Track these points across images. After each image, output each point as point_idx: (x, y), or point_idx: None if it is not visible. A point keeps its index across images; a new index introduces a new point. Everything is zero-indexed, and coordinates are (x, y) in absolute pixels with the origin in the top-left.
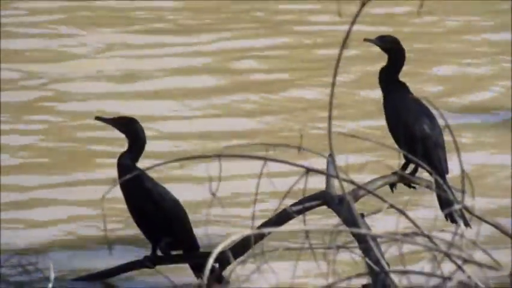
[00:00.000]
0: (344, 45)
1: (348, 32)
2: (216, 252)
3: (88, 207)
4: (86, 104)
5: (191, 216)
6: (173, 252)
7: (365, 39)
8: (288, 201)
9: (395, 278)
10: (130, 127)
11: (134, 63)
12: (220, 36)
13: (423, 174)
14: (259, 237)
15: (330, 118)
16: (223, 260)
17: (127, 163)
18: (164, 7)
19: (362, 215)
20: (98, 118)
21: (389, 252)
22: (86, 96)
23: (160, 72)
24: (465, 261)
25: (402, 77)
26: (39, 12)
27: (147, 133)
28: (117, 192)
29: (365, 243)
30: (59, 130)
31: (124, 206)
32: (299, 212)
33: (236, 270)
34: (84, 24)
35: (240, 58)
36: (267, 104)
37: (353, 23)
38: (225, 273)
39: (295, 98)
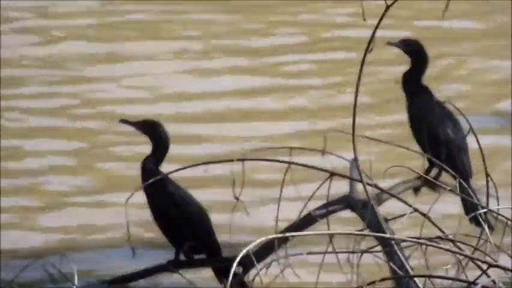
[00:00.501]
0: (368, 48)
1: (372, 36)
2: (239, 256)
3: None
4: None
5: (214, 220)
6: (196, 256)
7: (388, 43)
8: (312, 205)
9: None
10: (153, 130)
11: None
12: None
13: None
14: (283, 241)
15: (354, 122)
16: (246, 264)
17: (150, 167)
18: None
19: (386, 219)
20: (123, 121)
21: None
22: None
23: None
24: (490, 265)
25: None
26: None
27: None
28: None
29: (389, 248)
30: None
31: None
32: (323, 216)
33: (260, 275)
34: None
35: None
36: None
37: (376, 27)
38: (248, 277)
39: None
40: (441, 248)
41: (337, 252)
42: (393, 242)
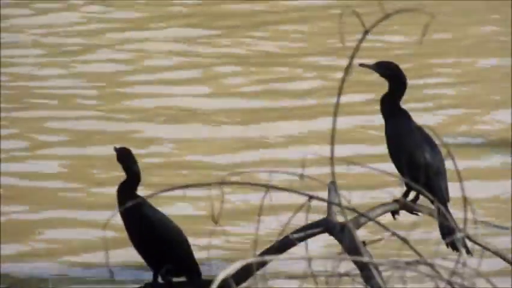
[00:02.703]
0: (346, 72)
1: (351, 61)
2: (218, 280)
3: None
4: None
5: (192, 242)
6: (176, 279)
7: (361, 65)
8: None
9: None
10: (125, 158)
11: None
12: None
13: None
14: (261, 264)
15: (333, 144)
16: (225, 287)
17: (126, 192)
18: None
19: (364, 243)
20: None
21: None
22: None
23: None
24: None
25: None
26: None
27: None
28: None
29: (367, 271)
30: None
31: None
32: (301, 239)
33: None
34: None
35: None
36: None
37: (355, 50)
38: None
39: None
40: (419, 271)
41: (315, 276)
42: (371, 265)
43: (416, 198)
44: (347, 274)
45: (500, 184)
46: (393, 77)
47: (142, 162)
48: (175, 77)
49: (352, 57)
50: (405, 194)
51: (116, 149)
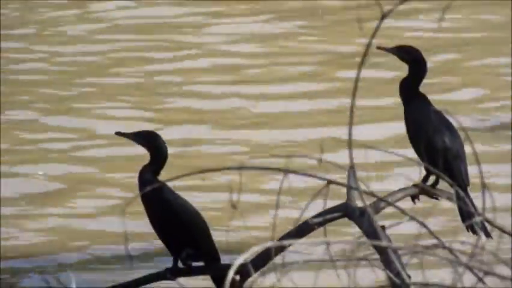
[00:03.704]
0: (363, 60)
1: (367, 48)
2: (236, 264)
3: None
4: None
5: (212, 228)
6: (195, 264)
7: (379, 47)
8: (310, 213)
9: None
10: (151, 141)
11: None
12: None
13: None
14: (280, 249)
15: (350, 130)
16: (243, 272)
17: (147, 176)
18: None
19: (383, 227)
20: (118, 133)
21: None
22: None
23: None
24: (486, 273)
25: None
26: None
27: None
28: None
29: (385, 256)
30: None
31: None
32: (320, 224)
33: (257, 282)
34: None
35: None
36: None
37: (372, 37)
38: (246, 285)
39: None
40: (437, 256)
41: (334, 261)
42: (389, 250)
43: (436, 182)
44: (365, 258)
45: None
46: (413, 61)
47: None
48: None
49: (370, 41)
50: (425, 179)
51: (143, 132)
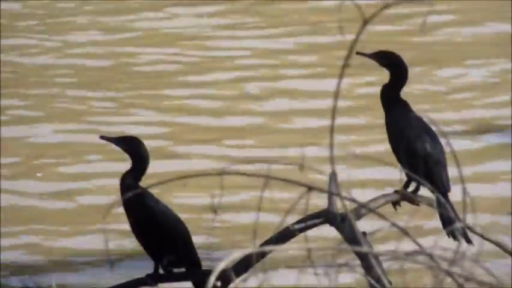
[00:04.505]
0: (345, 63)
1: (349, 52)
2: (217, 270)
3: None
4: None
5: (193, 233)
6: (176, 270)
7: (358, 53)
8: (290, 219)
9: None
10: (133, 146)
11: None
12: None
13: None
14: (261, 254)
15: (332, 134)
16: (225, 278)
17: (129, 182)
18: None
19: (364, 233)
20: (102, 137)
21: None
22: None
23: None
24: (467, 279)
25: None
26: None
27: None
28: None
29: (366, 261)
30: None
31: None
32: (301, 230)
33: None
34: None
35: None
36: None
37: (355, 42)
38: None
39: None
40: (418, 262)
41: (314, 267)
42: (370, 255)
43: (417, 189)
44: (346, 264)
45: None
46: (394, 67)
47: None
48: None
49: (351, 48)
50: (406, 185)
51: (125, 137)
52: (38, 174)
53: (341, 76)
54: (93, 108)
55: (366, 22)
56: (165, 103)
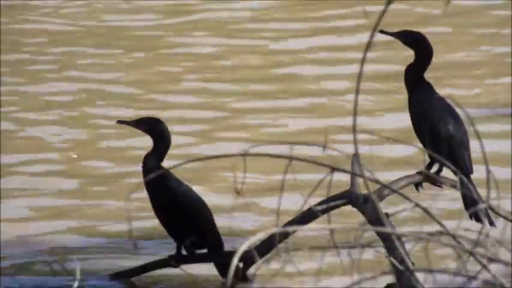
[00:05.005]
0: (368, 46)
1: (373, 34)
2: (240, 251)
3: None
4: None
5: (216, 215)
6: (198, 251)
7: (382, 31)
8: (314, 200)
9: (419, 276)
10: (154, 127)
11: None
12: None
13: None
14: (284, 235)
15: (355, 116)
16: (247, 259)
17: (152, 163)
18: None
19: (387, 214)
20: (120, 121)
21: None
22: None
23: None
24: (490, 260)
25: None
26: None
27: None
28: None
29: (389, 242)
30: None
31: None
32: (324, 211)
33: (261, 269)
34: None
35: None
36: None
37: (377, 24)
38: (250, 271)
39: None
40: (441, 242)
41: (338, 247)
42: (393, 236)
43: (440, 170)
44: (369, 245)
45: None
46: (419, 47)
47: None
48: None
49: (375, 27)
50: (429, 166)
51: (144, 118)
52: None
53: (363, 58)
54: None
55: (390, 1)
56: None
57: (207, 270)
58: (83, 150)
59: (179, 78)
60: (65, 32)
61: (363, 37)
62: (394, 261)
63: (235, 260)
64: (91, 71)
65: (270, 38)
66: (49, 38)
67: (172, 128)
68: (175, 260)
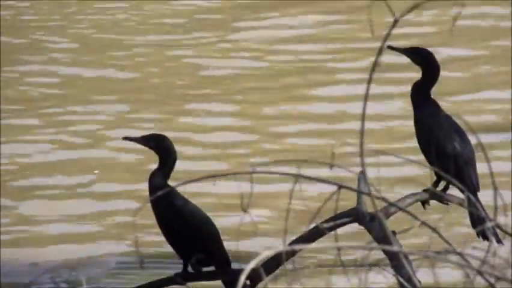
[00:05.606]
0: (376, 63)
1: (381, 49)
2: (247, 269)
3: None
4: None
5: (223, 233)
6: (205, 269)
7: (389, 47)
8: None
9: None
10: (160, 144)
11: None
12: None
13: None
14: (291, 253)
15: (362, 134)
16: (254, 277)
17: (158, 181)
18: None
19: (394, 233)
20: (126, 138)
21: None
22: None
23: None
24: (498, 278)
25: None
26: None
27: None
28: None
29: (396, 261)
30: None
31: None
32: (331, 229)
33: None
34: None
35: None
36: None
37: (385, 40)
38: None
39: None
40: (448, 261)
41: (345, 266)
42: (400, 255)
43: (446, 187)
44: (376, 264)
45: None
46: (426, 64)
47: None
48: None
49: (382, 46)
50: (435, 184)
51: (151, 135)
52: None
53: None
54: None
55: (396, 20)
56: None
57: (213, 286)
58: None
59: None
60: None
61: None
62: (401, 280)
63: (242, 278)
64: None
65: None
66: None
67: None
68: (181, 278)
